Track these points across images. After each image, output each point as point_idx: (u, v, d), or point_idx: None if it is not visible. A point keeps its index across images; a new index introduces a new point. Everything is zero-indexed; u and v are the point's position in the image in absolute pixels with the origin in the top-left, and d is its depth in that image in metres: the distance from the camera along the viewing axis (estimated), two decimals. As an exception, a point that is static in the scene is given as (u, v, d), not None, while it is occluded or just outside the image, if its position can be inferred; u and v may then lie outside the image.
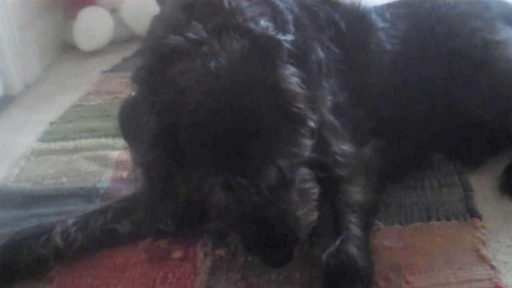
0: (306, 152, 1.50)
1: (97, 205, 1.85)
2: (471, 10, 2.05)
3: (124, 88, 2.98)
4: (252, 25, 1.50)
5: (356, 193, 1.66)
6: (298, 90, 1.46)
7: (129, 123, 1.58)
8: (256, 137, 1.38)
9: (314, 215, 1.54)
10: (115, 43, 3.70)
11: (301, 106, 1.46)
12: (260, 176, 1.40)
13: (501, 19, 2.04)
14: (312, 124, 1.49)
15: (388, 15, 2.04)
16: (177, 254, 1.73)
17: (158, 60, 1.49)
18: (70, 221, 1.73)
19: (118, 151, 2.35)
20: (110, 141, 2.45)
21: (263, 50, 1.45)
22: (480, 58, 1.92)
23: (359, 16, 1.99)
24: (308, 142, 1.49)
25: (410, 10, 2.08)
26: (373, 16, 2.01)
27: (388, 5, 2.15)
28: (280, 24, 1.63)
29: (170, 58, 1.46)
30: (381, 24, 2.00)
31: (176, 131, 1.41)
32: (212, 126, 1.37)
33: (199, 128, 1.38)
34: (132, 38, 3.69)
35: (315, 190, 1.55)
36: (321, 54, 1.67)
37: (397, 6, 2.14)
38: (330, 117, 1.68)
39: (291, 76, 1.46)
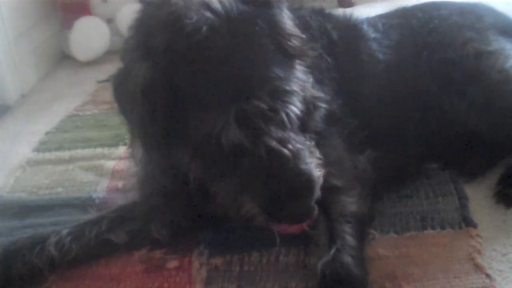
0: (309, 89, 1.48)
1: (92, 215, 1.84)
2: (463, 21, 2.06)
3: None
4: None
5: (351, 203, 1.66)
6: (294, 31, 1.49)
7: (122, 85, 1.51)
8: (261, 63, 1.36)
9: (321, 171, 1.47)
10: (111, 53, 3.69)
11: (297, 43, 1.47)
12: (277, 99, 1.35)
13: (494, 30, 2.05)
14: (306, 66, 1.48)
15: (380, 25, 2.05)
16: (172, 264, 1.72)
17: (148, 9, 1.48)
18: (65, 231, 1.72)
19: (114, 161, 2.35)
20: (105, 151, 2.45)
21: None
22: (473, 69, 1.93)
23: (351, 27, 2.00)
24: (307, 79, 1.48)
25: (403, 21, 2.09)
26: (365, 26, 2.03)
27: (381, 16, 2.16)
28: None
29: (161, 4, 1.45)
30: (373, 34, 2.01)
31: (173, 73, 1.37)
32: (213, 56, 1.34)
33: (198, 61, 1.35)
34: (128, 48, 3.69)
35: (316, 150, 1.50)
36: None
37: (389, 16, 2.15)
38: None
39: (288, 19, 1.49)
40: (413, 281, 1.58)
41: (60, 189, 2.20)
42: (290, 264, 1.67)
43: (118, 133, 2.58)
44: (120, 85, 1.53)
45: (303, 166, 1.40)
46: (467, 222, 1.79)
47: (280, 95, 1.37)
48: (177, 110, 1.41)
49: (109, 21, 3.73)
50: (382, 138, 1.87)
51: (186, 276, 1.68)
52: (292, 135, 1.41)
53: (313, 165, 1.44)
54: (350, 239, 1.58)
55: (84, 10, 3.67)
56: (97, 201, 2.07)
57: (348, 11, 2.07)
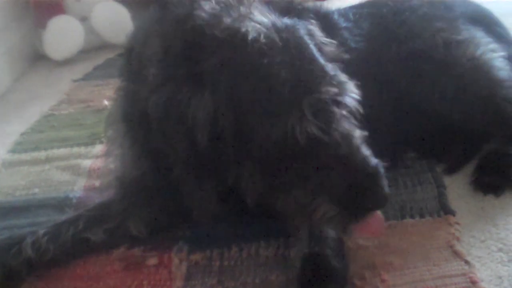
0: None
1: (68, 214, 1.82)
2: (433, 11, 2.06)
3: (96, 96, 2.98)
4: None
5: None
6: (326, 38, 1.56)
7: (174, 120, 1.37)
8: (316, 61, 1.40)
9: None
10: (85, 52, 3.67)
11: (332, 49, 1.54)
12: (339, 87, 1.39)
13: (464, 19, 2.06)
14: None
15: (351, 15, 2.05)
16: (152, 261, 1.71)
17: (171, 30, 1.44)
18: (41, 232, 1.70)
19: (90, 160, 2.33)
20: (82, 150, 2.43)
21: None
22: (442, 58, 1.93)
23: (321, 17, 1.99)
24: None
25: (373, 10, 2.09)
26: (336, 16, 2.02)
27: (351, 7, 2.15)
28: None
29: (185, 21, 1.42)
30: (344, 23, 2.00)
31: (235, 90, 1.33)
32: (273, 61, 1.34)
33: (260, 70, 1.33)
34: (103, 46, 3.67)
35: None
36: None
37: (360, 7, 2.15)
38: None
39: (317, 28, 1.56)
40: (393, 270, 1.59)
41: (36, 190, 2.17)
42: (270, 257, 1.67)
43: (94, 131, 2.56)
44: (170, 119, 1.38)
45: (367, 153, 1.41)
46: (445, 210, 1.81)
47: (340, 85, 1.41)
48: (243, 126, 1.36)
49: (83, 19, 3.69)
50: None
51: (166, 272, 1.67)
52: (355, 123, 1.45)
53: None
54: (330, 232, 1.58)
55: (57, 9, 3.62)
56: (74, 200, 2.04)
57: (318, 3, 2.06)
